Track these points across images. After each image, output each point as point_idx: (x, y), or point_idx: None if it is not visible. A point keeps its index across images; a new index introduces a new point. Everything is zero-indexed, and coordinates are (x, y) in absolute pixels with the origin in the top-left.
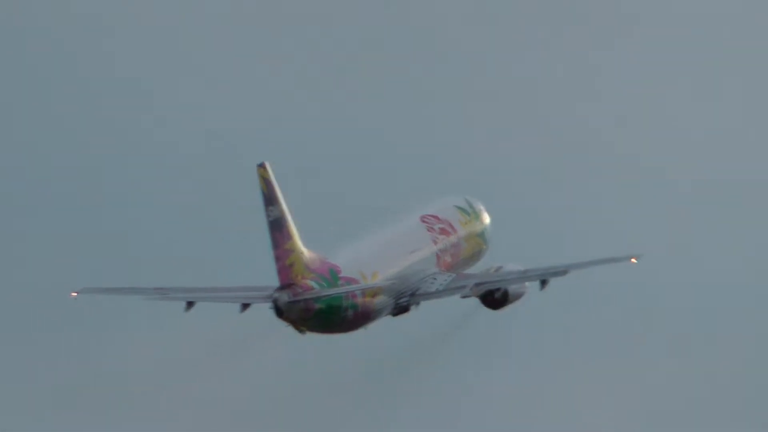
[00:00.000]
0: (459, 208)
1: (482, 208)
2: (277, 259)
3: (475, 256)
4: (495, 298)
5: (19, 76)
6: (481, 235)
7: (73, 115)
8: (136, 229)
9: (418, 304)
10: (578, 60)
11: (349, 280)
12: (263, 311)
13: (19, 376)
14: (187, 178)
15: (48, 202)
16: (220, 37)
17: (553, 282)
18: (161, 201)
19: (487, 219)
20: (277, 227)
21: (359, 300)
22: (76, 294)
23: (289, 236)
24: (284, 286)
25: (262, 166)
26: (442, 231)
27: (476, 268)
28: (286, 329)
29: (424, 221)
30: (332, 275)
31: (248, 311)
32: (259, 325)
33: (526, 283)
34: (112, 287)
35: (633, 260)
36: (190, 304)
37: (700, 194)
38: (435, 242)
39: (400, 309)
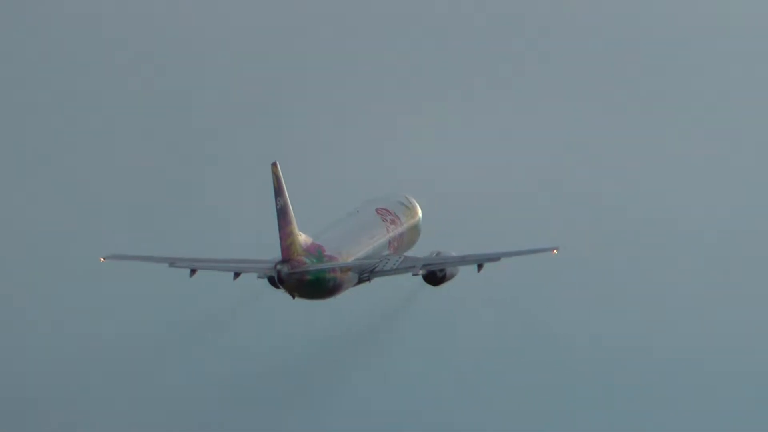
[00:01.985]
0: (401, 203)
1: (416, 204)
2: (281, 239)
3: (412, 242)
4: (437, 277)
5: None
6: (416, 227)
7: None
8: (156, 204)
9: (370, 279)
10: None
11: (331, 258)
12: (252, 279)
13: (58, 322)
14: (208, 165)
15: (85, 180)
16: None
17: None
18: (182, 184)
19: (420, 213)
20: (283, 214)
21: (338, 275)
22: (104, 259)
23: (290, 222)
24: (285, 261)
25: (274, 164)
26: (392, 222)
27: (415, 252)
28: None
29: (378, 213)
30: (318, 253)
31: (239, 279)
32: (250, 290)
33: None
34: (132, 255)
35: (554, 252)
36: (193, 272)
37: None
38: (387, 231)
39: (360, 281)
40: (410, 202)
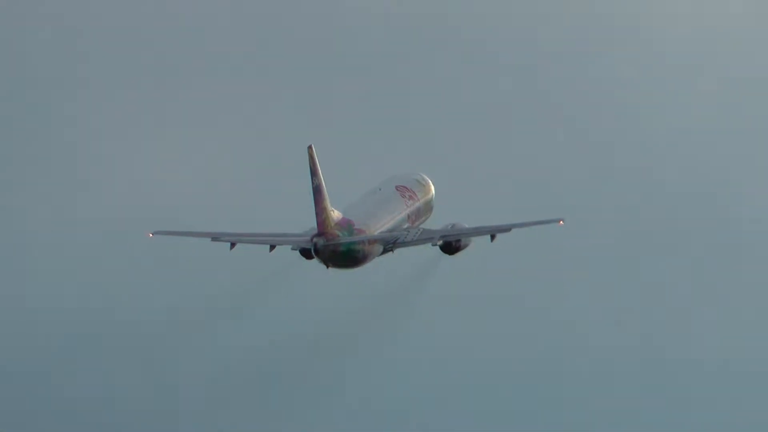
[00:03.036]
0: (417, 181)
1: (430, 181)
2: (317, 214)
3: (426, 216)
4: (452, 247)
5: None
6: (430, 202)
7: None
8: (201, 182)
9: (393, 250)
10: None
11: (360, 231)
12: (286, 250)
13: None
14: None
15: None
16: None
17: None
18: (223, 168)
19: (432, 190)
20: (318, 192)
21: (365, 246)
22: (151, 234)
23: (324, 198)
24: (320, 234)
25: (309, 147)
26: (410, 197)
27: (430, 224)
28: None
29: (398, 190)
30: (349, 227)
31: (275, 251)
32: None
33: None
34: (177, 230)
35: (560, 222)
36: (233, 245)
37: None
38: (406, 206)
39: (385, 251)
40: (425, 180)
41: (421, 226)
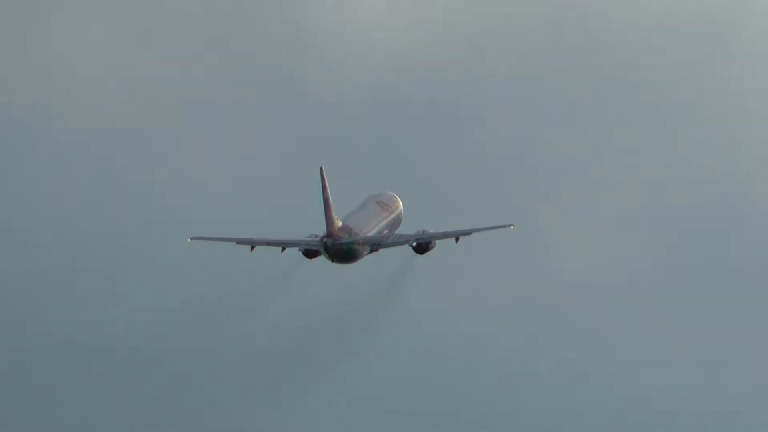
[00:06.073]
0: (391, 197)
1: (398, 198)
2: (326, 221)
3: (397, 226)
4: (423, 248)
5: None
6: (400, 214)
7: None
8: (227, 198)
9: (378, 250)
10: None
11: (356, 234)
12: (294, 252)
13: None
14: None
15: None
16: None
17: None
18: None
19: (401, 205)
20: (327, 205)
21: (360, 246)
22: (190, 240)
23: (331, 209)
24: (330, 235)
25: (321, 169)
26: (386, 209)
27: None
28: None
29: (378, 204)
30: (348, 232)
31: (285, 252)
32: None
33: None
34: (211, 236)
35: (511, 227)
36: (252, 247)
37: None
38: (385, 217)
39: (371, 251)
40: (395, 197)
41: (396, 231)
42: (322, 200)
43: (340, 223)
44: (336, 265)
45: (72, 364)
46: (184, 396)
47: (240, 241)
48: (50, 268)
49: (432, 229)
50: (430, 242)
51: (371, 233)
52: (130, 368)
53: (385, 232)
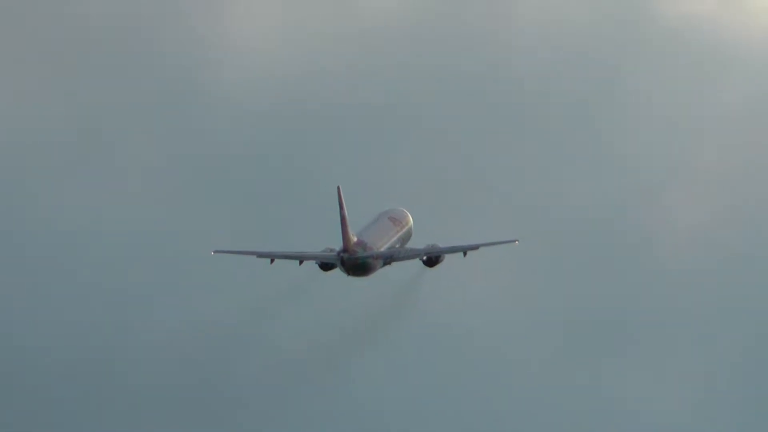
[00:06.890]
0: (402, 213)
1: (409, 214)
2: (343, 237)
3: (408, 240)
4: (433, 261)
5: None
6: (410, 228)
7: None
8: (248, 213)
9: (391, 263)
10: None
11: (370, 249)
12: (311, 264)
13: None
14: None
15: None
16: None
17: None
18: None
19: (411, 220)
20: (343, 222)
21: (374, 260)
22: (214, 252)
23: (347, 225)
24: (346, 250)
25: (338, 188)
26: (398, 224)
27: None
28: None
29: (390, 220)
30: (363, 246)
31: (303, 265)
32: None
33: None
34: (234, 249)
35: (516, 242)
36: (272, 260)
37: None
38: (397, 232)
39: (384, 264)
40: (405, 213)
41: (406, 245)
42: (339, 217)
43: (355, 239)
44: (353, 279)
45: (95, 377)
46: (201, 406)
47: (261, 255)
48: (79, 281)
49: (441, 243)
50: (439, 256)
51: (384, 248)
52: (151, 379)
53: (397, 246)
